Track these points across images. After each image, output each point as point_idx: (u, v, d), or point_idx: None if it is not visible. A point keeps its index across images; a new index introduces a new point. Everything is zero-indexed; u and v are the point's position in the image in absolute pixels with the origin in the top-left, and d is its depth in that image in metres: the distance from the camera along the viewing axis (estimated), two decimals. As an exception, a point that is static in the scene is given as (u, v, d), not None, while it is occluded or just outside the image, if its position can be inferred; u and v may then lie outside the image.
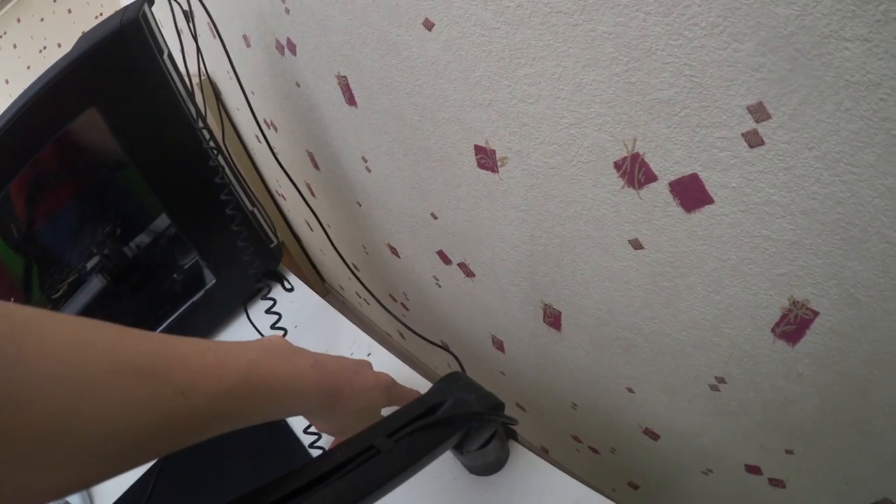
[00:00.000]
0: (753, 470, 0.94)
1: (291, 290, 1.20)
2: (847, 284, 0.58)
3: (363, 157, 1.17)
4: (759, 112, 0.53)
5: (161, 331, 1.09)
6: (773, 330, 0.70)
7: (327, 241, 1.70)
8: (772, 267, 0.64)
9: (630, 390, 1.02)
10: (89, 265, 1.01)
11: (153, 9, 0.90)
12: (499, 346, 1.32)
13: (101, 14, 2.67)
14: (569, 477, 0.74)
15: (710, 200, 0.64)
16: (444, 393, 0.66)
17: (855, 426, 0.72)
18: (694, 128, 0.59)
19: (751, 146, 0.56)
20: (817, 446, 0.80)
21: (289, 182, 1.49)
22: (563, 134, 0.71)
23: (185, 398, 0.42)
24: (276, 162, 1.16)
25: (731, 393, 0.83)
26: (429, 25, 0.74)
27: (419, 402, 0.64)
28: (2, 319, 0.34)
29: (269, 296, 1.05)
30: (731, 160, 0.59)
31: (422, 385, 0.84)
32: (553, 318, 1.04)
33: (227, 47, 1.05)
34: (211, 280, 1.15)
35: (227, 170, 1.03)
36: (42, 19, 2.80)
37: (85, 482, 0.38)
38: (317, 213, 1.62)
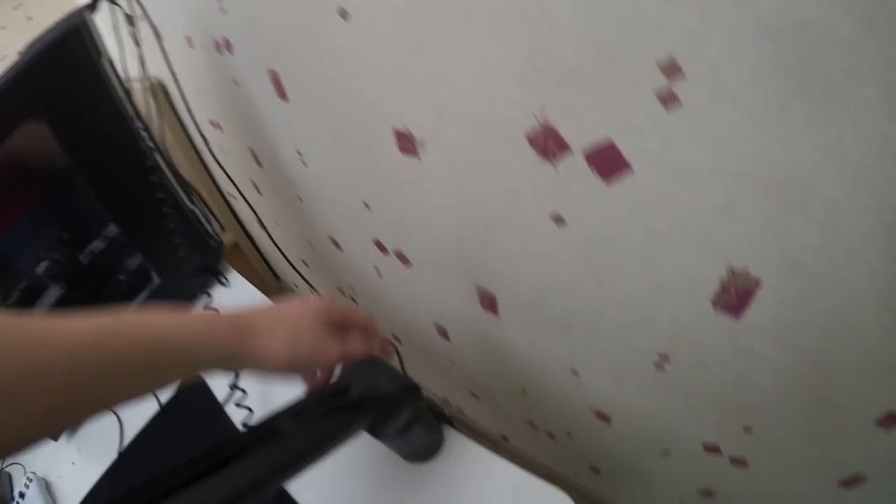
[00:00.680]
0: (712, 449, 0.90)
1: (227, 285, 1.19)
2: (790, 250, 0.53)
3: (298, 151, 1.16)
4: (671, 70, 0.48)
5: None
6: (713, 302, 0.65)
7: (279, 240, 1.70)
8: (703, 235, 0.59)
9: (575, 373, 0.98)
10: (39, 270, 1.00)
11: (98, 16, 0.92)
12: (444, 334, 1.28)
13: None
14: (507, 462, 0.71)
15: (628, 167, 0.59)
16: (355, 376, 0.63)
17: (816, 402, 0.68)
18: (603, 92, 0.54)
19: (666, 106, 0.51)
20: (777, 424, 0.76)
21: (242, 180, 1.61)
22: (474, 111, 0.68)
23: (45, 350, 0.42)
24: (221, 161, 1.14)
25: (678, 371, 0.79)
26: (344, 15, 0.74)
27: (329, 385, 0.62)
28: None
29: (214, 293, 1.06)
30: (646, 123, 0.53)
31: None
32: (489, 302, 1.00)
33: (172, 49, 1.09)
34: (156, 280, 1.15)
35: (164, 169, 1.05)
36: (3, 27, 2.73)
37: None
38: (261, 210, 1.65)
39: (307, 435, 0.53)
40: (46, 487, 1.00)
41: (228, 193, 2.17)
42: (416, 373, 1.63)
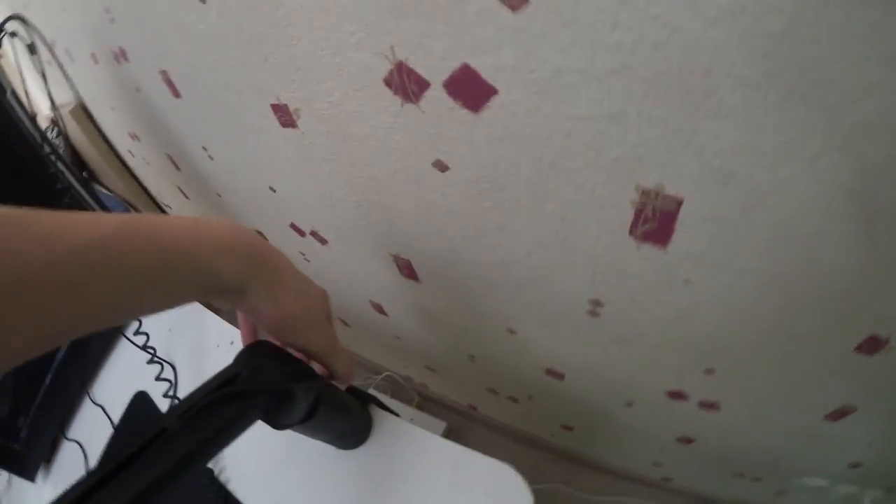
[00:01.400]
0: (678, 396, 0.85)
1: None
2: (707, 155, 0.46)
3: (203, 147, 1.13)
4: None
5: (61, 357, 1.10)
6: (631, 232, 0.58)
7: None
8: (597, 153, 0.51)
9: (511, 331, 0.91)
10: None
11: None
12: (379, 309, 1.22)
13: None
14: (444, 440, 0.66)
15: (492, 91, 0.52)
16: (241, 364, 0.57)
17: (779, 332, 0.61)
18: (446, 12, 0.48)
19: (514, 9, 0.44)
20: (741, 362, 0.70)
21: (169, 188, 1.64)
22: (331, 66, 0.63)
23: (45, 251, 0.38)
24: (144, 170, 1.17)
25: (614, 316, 0.72)
26: (202, -3, 0.70)
27: (214, 376, 0.55)
28: None
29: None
30: (497, 35, 0.47)
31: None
32: (407, 269, 0.93)
33: (83, 69, 1.13)
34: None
35: (77, 189, 1.05)
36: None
37: None
38: (192, 213, 1.61)
39: (193, 432, 0.49)
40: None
41: (166, 205, 2.12)
42: (370, 353, 1.65)
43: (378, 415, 0.70)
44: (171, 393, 0.88)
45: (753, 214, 0.49)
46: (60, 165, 1.03)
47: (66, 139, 1.76)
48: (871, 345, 0.58)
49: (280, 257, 0.55)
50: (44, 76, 1.04)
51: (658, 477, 1.36)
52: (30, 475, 1.00)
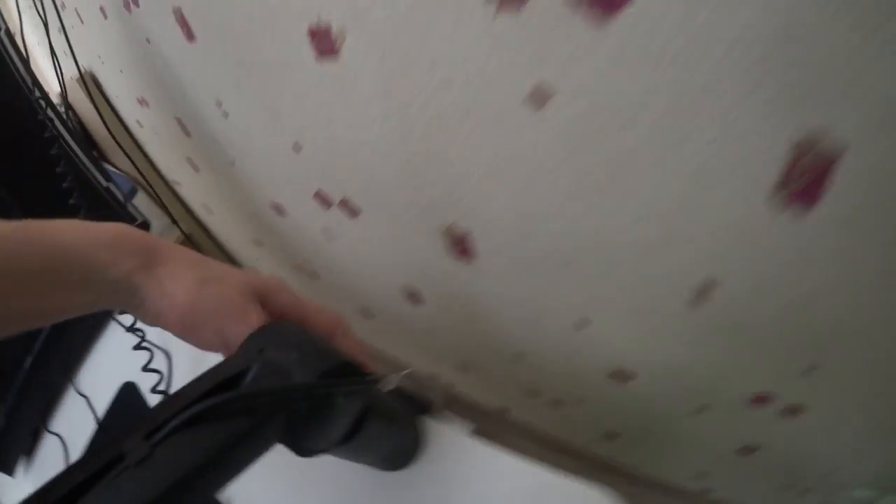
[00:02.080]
0: (761, 400, 0.75)
1: None
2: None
3: (217, 101, 1.02)
4: None
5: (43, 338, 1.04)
6: (775, 194, 0.46)
7: (226, 222, 1.79)
8: (758, 84, 0.39)
9: (584, 323, 0.78)
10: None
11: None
12: (414, 299, 1.09)
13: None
14: (516, 459, 0.54)
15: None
16: (250, 355, 0.41)
17: None
18: None
19: None
20: (852, 357, 0.60)
21: (179, 161, 1.59)
22: None
23: None
24: (152, 143, 1.17)
25: (725, 302, 0.60)
26: None
27: (207, 373, 0.40)
28: None
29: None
30: None
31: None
32: (461, 245, 0.79)
33: (93, 28, 1.15)
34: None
35: (66, 141, 1.04)
36: None
37: None
38: (203, 189, 1.65)
39: (163, 465, 0.32)
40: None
41: (174, 181, 2.06)
42: (392, 349, 1.53)
43: (429, 424, 0.58)
44: (160, 388, 0.78)
45: None
46: (50, 112, 0.99)
47: (75, 114, 1.78)
48: None
49: (176, 249, 0.53)
50: (50, 43, 1.05)
51: (697, 488, 1.27)
52: (8, 469, 0.95)
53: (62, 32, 1.24)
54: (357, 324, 1.71)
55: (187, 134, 1.32)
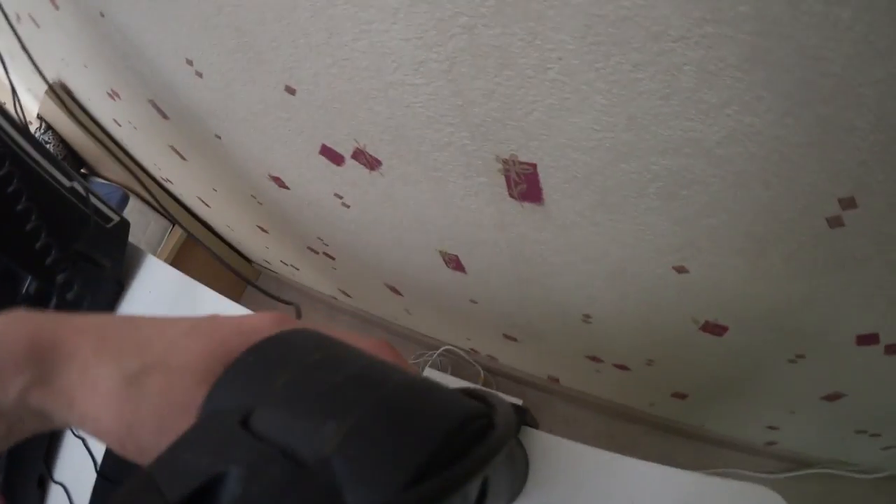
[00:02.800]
0: (868, 340, 0.70)
1: (102, 268, 0.95)
2: None
3: (188, 61, 0.89)
4: None
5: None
6: None
7: (225, 212, 1.70)
8: None
9: (680, 269, 0.67)
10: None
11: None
12: (454, 263, 0.96)
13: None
14: (657, 465, 0.43)
15: None
16: (224, 442, 0.24)
17: None
18: None
19: None
20: None
21: (164, 153, 1.52)
22: None
23: None
24: (133, 140, 1.12)
25: (864, 222, 0.51)
26: None
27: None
28: None
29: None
30: None
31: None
32: (525, 184, 0.66)
33: (47, 30, 1.13)
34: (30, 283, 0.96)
35: (11, 137, 0.87)
36: None
37: None
38: (194, 178, 1.57)
39: None
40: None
41: (165, 179, 2.01)
42: (425, 327, 1.44)
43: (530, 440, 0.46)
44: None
45: None
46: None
47: (55, 133, 1.76)
48: None
49: (86, 331, 0.37)
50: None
51: (762, 442, 1.24)
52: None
53: (24, 51, 1.22)
54: (385, 303, 1.63)
55: (164, 116, 1.24)
